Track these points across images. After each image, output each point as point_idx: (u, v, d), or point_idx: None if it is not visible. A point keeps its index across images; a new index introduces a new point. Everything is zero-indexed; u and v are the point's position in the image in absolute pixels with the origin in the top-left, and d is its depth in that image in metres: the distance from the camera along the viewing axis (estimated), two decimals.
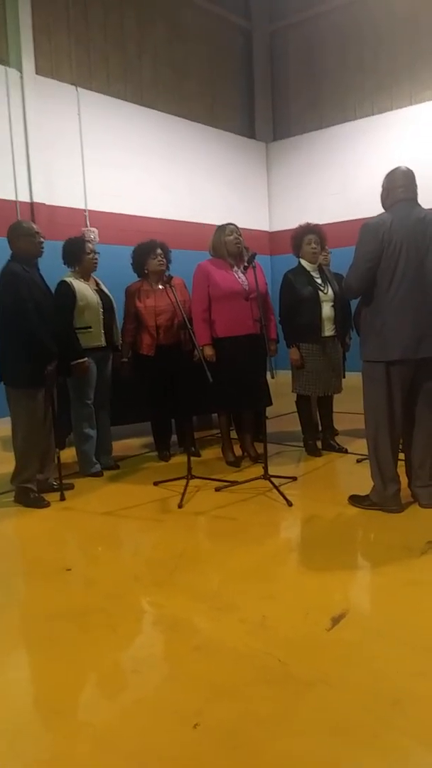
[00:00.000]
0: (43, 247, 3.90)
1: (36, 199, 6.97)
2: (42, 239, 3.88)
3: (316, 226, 4.73)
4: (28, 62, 6.92)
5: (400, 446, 3.51)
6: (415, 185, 3.31)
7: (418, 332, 3.20)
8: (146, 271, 4.71)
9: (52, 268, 4.37)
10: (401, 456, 3.53)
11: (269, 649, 2.11)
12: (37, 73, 7.03)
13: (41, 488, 3.95)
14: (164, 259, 4.70)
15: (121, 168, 7.94)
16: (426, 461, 3.44)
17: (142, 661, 2.12)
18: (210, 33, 9.44)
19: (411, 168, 3.32)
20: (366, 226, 3.24)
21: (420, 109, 8.65)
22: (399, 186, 3.29)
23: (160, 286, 4.60)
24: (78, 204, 7.50)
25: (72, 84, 7.46)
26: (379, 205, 3.43)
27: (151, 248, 4.69)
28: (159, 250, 4.68)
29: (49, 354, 3.79)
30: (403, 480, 3.46)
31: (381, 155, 8.68)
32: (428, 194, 3.31)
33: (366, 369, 3.38)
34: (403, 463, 3.53)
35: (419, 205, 3.30)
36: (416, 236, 3.17)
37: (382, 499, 3.41)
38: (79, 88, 7.50)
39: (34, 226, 3.91)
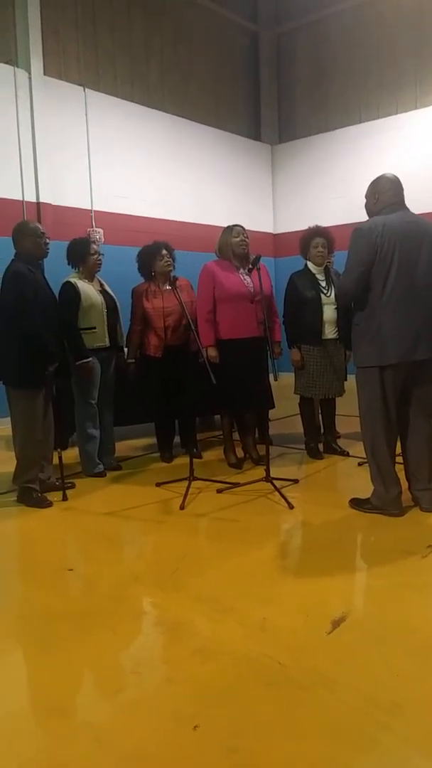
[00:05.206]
0: (48, 249, 3.90)
1: (42, 199, 6.99)
2: (48, 240, 3.89)
3: (325, 229, 4.74)
4: (37, 63, 6.95)
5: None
6: (402, 190, 3.34)
7: (414, 334, 3.20)
8: (153, 273, 4.73)
9: (57, 268, 4.39)
10: (400, 459, 3.53)
11: (269, 652, 2.12)
12: (45, 74, 7.07)
13: (44, 488, 3.96)
14: (170, 259, 4.72)
15: (127, 169, 7.97)
16: (422, 464, 3.44)
17: (142, 662, 2.12)
18: (217, 35, 9.45)
19: (410, 172, 3.36)
20: (358, 230, 3.25)
21: (425, 113, 8.65)
22: (388, 190, 3.31)
23: (168, 287, 4.60)
24: (84, 204, 7.52)
25: (80, 85, 7.48)
26: None
27: (156, 250, 4.71)
28: (164, 251, 4.70)
29: (51, 355, 3.80)
30: (404, 483, 3.46)
31: (385, 159, 8.66)
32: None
33: (360, 374, 3.38)
34: (402, 466, 3.53)
35: (408, 209, 3.32)
36: (408, 238, 3.18)
37: (383, 503, 3.41)
38: (86, 89, 7.52)
39: (40, 227, 3.91)
